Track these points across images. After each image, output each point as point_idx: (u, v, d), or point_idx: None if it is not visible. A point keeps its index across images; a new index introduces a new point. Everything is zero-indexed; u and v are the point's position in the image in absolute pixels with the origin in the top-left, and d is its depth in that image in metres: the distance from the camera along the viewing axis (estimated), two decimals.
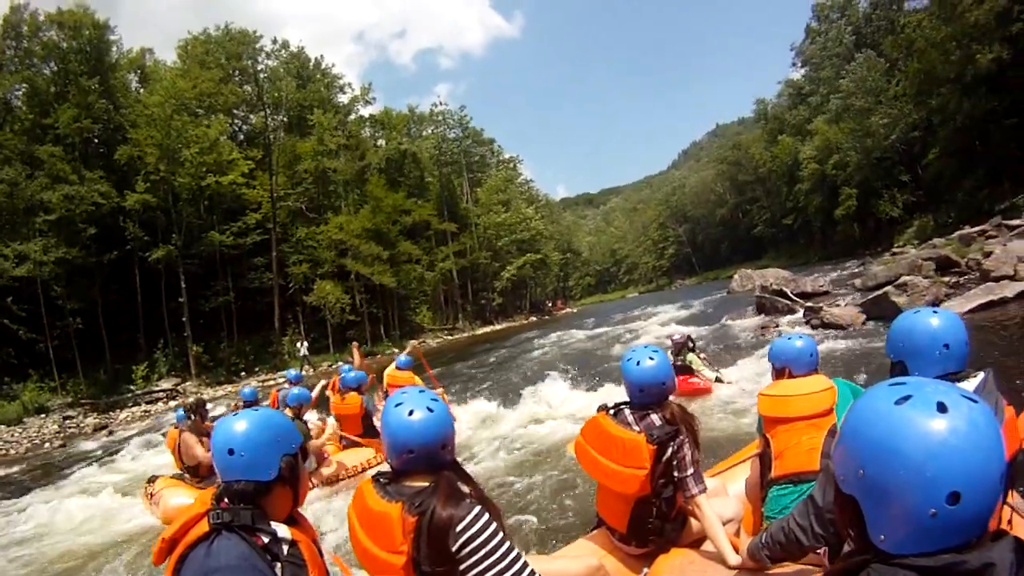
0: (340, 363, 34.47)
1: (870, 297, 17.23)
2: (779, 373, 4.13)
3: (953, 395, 1.34)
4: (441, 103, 76.91)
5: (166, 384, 34.50)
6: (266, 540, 2.19)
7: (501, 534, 2.33)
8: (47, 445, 22.45)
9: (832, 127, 63.68)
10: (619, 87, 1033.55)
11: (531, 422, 11.36)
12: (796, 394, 3.80)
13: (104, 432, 23.85)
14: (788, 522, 2.49)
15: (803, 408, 3.73)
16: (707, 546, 3.61)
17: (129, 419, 26.95)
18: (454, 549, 2.25)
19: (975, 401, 1.33)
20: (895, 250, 40.64)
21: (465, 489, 2.44)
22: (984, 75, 39.51)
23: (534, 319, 72.95)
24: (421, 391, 2.60)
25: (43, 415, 28.51)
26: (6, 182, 31.28)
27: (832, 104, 62.95)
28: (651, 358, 3.58)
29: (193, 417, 8.50)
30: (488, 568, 2.26)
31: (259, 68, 51.62)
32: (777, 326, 18.67)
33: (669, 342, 12.01)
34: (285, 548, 2.22)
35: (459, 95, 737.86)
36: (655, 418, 3.50)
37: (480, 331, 61.59)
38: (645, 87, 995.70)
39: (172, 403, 30.08)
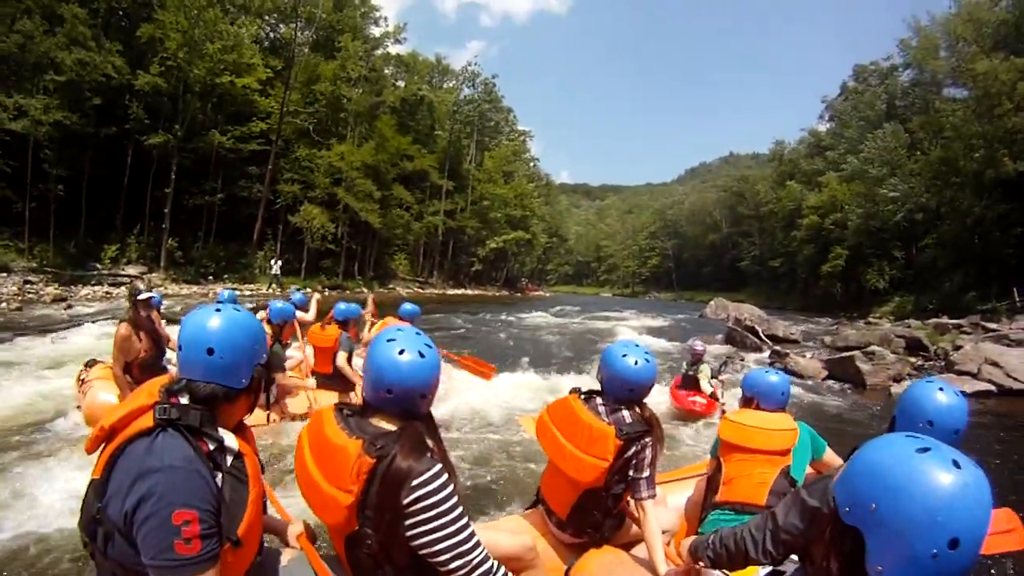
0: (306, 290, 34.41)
1: (836, 356, 17.49)
2: (747, 402, 4.17)
3: (964, 457, 1.49)
4: (475, 62, 76.59)
5: (133, 270, 34.08)
6: (211, 447, 2.10)
7: (455, 498, 2.29)
8: (3, 305, 22.15)
9: (842, 185, 64.06)
10: (646, 91, 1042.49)
11: (483, 393, 11.19)
12: (760, 427, 3.84)
13: (63, 304, 23.54)
14: (742, 531, 2.48)
15: (764, 442, 3.77)
16: (637, 550, 3.67)
17: (90, 297, 26.74)
18: (405, 502, 2.20)
19: (978, 466, 1.49)
20: (871, 319, 41.32)
21: (430, 443, 2.39)
22: (1003, 180, 39.67)
23: (506, 293, 74.45)
24: (418, 333, 2.56)
25: (5, 274, 28.06)
26: (21, 33, 30.36)
27: (849, 164, 62.97)
28: (647, 359, 3.57)
29: (136, 306, 7.16)
30: (435, 529, 2.23)
31: None
32: (742, 359, 19.01)
33: (689, 350, 11.93)
34: (229, 459, 2.14)
35: (491, 56, 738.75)
36: (626, 414, 3.49)
37: (451, 292, 62.63)
38: (671, 98, 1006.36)
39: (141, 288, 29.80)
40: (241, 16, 43.27)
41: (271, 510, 2.87)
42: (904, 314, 42.94)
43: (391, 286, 53.87)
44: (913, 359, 18.43)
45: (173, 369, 5.41)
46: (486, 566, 2.33)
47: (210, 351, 2.19)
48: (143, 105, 35.56)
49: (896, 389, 15.09)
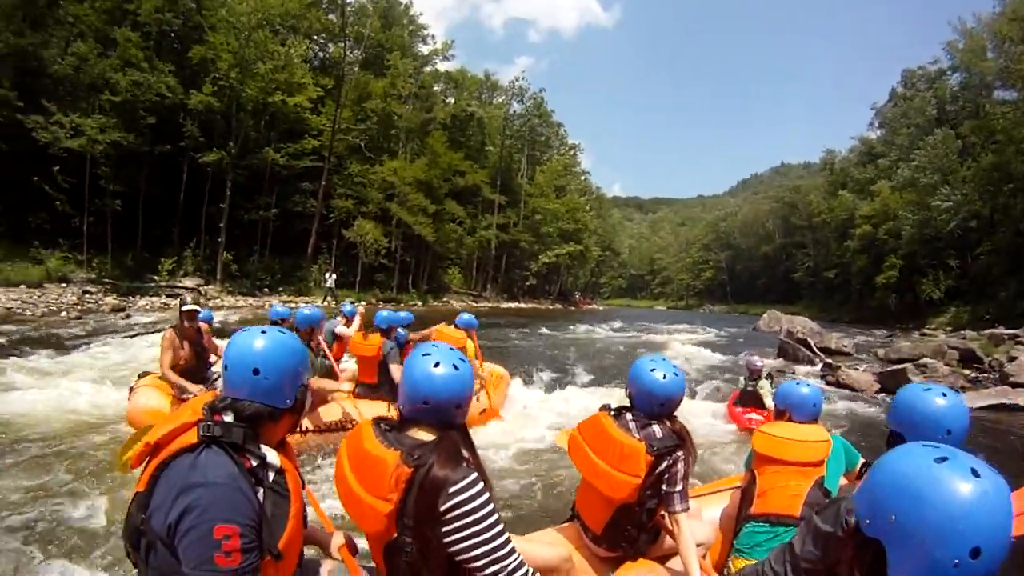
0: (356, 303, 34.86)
1: (888, 369, 17.06)
2: (779, 415, 4.13)
3: (983, 464, 1.48)
4: (523, 77, 76.75)
5: (189, 283, 34.68)
6: (254, 463, 2.15)
7: (491, 506, 2.32)
8: (63, 314, 22.61)
9: (894, 194, 63.04)
10: (695, 103, 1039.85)
11: (526, 405, 11.23)
12: (793, 439, 3.78)
13: (121, 314, 23.92)
14: (763, 566, 2.39)
15: (797, 454, 3.72)
16: (673, 564, 3.65)
17: (147, 307, 27.13)
18: (442, 509, 2.23)
19: (998, 474, 1.47)
20: (926, 331, 40.43)
21: (465, 454, 2.42)
22: None
23: (559, 307, 74.04)
24: (451, 348, 2.59)
25: (64, 284, 28.81)
26: (76, 55, 31.47)
27: (901, 172, 61.68)
28: (675, 373, 3.54)
29: (183, 316, 7.70)
30: (472, 536, 2.25)
31: (348, 0, 51.52)
32: (793, 373, 18.54)
33: (746, 366, 11.58)
34: (271, 475, 2.19)
35: (539, 71, 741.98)
36: (657, 429, 3.46)
37: (504, 305, 62.36)
38: (720, 109, 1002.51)
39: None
40: (290, 36, 43.85)
41: (314, 521, 2.95)
42: (960, 324, 42.34)
43: (445, 299, 54.16)
44: (967, 371, 18.03)
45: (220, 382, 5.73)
46: (521, 572, 2.36)
47: (255, 371, 2.25)
48: (197, 123, 36.41)
49: None
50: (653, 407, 3.52)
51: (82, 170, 31.05)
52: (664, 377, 3.48)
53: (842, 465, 3.82)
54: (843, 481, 3.75)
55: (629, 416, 3.60)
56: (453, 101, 65.66)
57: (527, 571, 2.38)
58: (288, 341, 2.37)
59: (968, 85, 62.95)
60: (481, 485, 2.30)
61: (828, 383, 16.54)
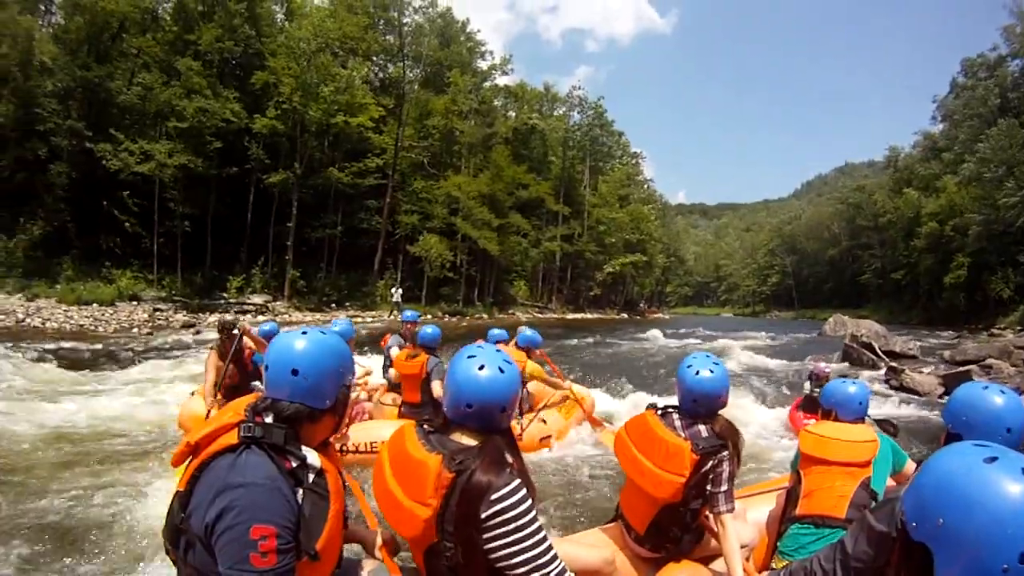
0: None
1: (953, 371, 16.67)
2: (826, 414, 4.13)
3: None
4: (580, 87, 76.66)
5: (258, 299, 35.71)
6: (294, 464, 2.15)
7: (534, 512, 2.29)
8: (135, 330, 23.36)
9: (960, 190, 61.22)
10: (757, 107, 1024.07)
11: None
12: (839, 439, 3.77)
13: (191, 330, 24.64)
14: (811, 563, 2.31)
15: (843, 454, 3.69)
16: (716, 565, 3.68)
17: (217, 324, 27.59)
18: (484, 516, 2.21)
19: None
20: (995, 331, 39.51)
21: (509, 459, 2.39)
22: None
23: (625, 316, 73.25)
24: (498, 351, 2.57)
25: (135, 303, 29.84)
26: (142, 85, 32.98)
27: (966, 166, 59.86)
28: (711, 369, 3.52)
29: (222, 336, 7.98)
30: (513, 543, 2.23)
31: (404, 21, 52.14)
32: (857, 378, 18.18)
33: (810, 369, 11.36)
34: (311, 476, 2.19)
35: (598, 80, 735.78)
36: (702, 428, 3.46)
37: (571, 316, 61.93)
38: (782, 111, 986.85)
39: (260, 318, 30.38)
40: (350, 59, 44.78)
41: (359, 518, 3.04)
42: None
43: (511, 311, 54.39)
44: None
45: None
46: None
47: (295, 372, 2.24)
48: (262, 146, 37.65)
49: None
50: (690, 404, 3.55)
51: (152, 193, 32.30)
52: (698, 373, 3.51)
53: (889, 466, 3.82)
54: (890, 482, 3.77)
55: (676, 415, 3.62)
56: (514, 115, 65.96)
57: None
58: (327, 341, 2.37)
59: None
60: (524, 492, 2.29)
61: (892, 387, 16.20)
